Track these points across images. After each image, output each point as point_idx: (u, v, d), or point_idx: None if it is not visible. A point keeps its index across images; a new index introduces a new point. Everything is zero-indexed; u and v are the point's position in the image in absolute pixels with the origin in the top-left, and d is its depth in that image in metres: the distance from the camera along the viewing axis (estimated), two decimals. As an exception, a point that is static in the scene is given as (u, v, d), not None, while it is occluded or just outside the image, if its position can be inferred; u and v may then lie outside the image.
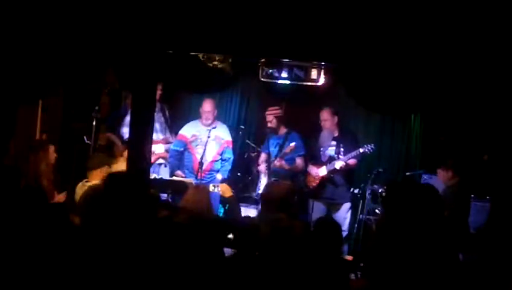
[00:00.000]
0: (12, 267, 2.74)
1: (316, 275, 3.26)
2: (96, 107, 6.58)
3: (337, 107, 6.54)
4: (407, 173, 6.64)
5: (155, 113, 6.52)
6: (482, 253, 3.51)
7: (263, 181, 6.51)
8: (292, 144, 6.36)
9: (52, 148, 5.39)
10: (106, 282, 2.82)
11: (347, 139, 6.24)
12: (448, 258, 3.73)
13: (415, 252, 3.60)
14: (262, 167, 6.65)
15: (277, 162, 6.39)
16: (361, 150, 6.03)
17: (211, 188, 5.66)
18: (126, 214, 3.14)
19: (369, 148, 6.03)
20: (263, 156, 6.73)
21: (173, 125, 6.85)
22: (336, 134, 6.30)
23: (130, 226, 3.04)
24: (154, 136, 6.52)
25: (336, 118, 6.28)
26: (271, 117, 6.54)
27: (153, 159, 6.47)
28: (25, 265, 2.75)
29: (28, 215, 2.89)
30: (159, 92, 6.54)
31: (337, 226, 3.75)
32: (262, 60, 6.24)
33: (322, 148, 6.29)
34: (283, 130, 6.60)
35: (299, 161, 6.53)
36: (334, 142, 6.25)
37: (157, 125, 6.64)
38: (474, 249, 3.66)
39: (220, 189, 5.10)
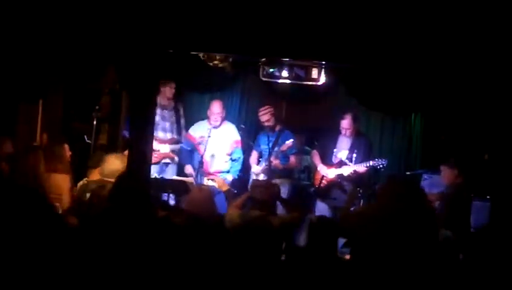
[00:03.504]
0: (8, 268, 2.74)
1: (311, 273, 3.27)
2: (97, 107, 6.58)
3: (336, 107, 6.54)
4: (408, 173, 6.63)
5: (167, 112, 6.62)
6: (482, 253, 3.50)
7: (255, 178, 6.48)
8: (289, 142, 6.33)
9: (66, 146, 5.38)
10: (103, 282, 2.82)
11: (361, 146, 6.12)
12: (447, 257, 3.73)
13: (409, 249, 3.60)
14: (254, 166, 6.64)
15: (273, 161, 6.34)
16: (371, 163, 5.96)
17: (206, 181, 5.64)
18: (126, 214, 3.15)
19: (380, 163, 5.93)
20: (254, 154, 6.72)
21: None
22: (352, 139, 6.21)
23: (129, 225, 3.05)
24: (162, 135, 6.56)
25: (355, 126, 6.16)
26: (268, 116, 6.49)
27: (158, 158, 6.50)
28: (21, 265, 2.75)
29: (25, 216, 2.89)
30: (172, 91, 6.62)
31: (333, 225, 3.75)
32: (263, 59, 6.23)
33: (335, 149, 6.25)
34: (277, 128, 6.57)
35: (292, 159, 6.54)
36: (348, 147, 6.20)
37: (167, 124, 6.64)
38: (474, 249, 3.65)
39: (216, 183, 5.10)
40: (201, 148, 6.44)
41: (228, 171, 6.52)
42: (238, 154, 6.62)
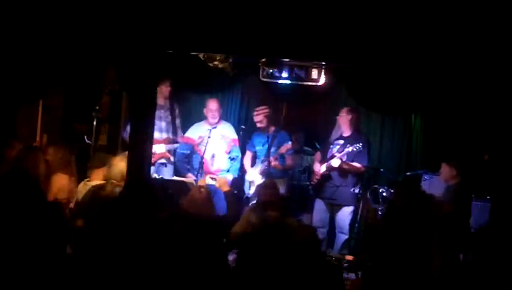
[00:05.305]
0: (8, 265, 2.74)
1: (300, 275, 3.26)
2: (97, 107, 6.58)
3: (336, 107, 6.56)
4: (408, 173, 6.62)
5: (163, 111, 6.58)
6: (482, 253, 3.50)
7: (251, 180, 6.48)
8: (288, 144, 6.35)
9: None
10: (102, 282, 2.82)
11: (356, 143, 6.08)
12: (448, 258, 3.74)
13: (416, 252, 3.61)
14: (248, 167, 6.64)
15: (272, 162, 6.34)
16: (350, 149, 5.98)
17: (208, 180, 5.62)
18: (126, 214, 3.15)
19: (357, 146, 5.96)
20: (248, 155, 6.71)
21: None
22: (346, 134, 6.22)
23: (129, 226, 3.05)
24: (158, 135, 6.46)
25: (349, 117, 6.19)
26: (261, 117, 6.48)
27: (154, 159, 6.43)
28: (21, 263, 2.75)
29: (25, 214, 2.90)
30: (168, 90, 6.56)
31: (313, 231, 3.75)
32: (263, 59, 6.23)
33: (331, 146, 6.28)
34: (271, 129, 6.56)
35: (289, 160, 6.53)
36: (341, 141, 6.20)
37: (163, 124, 6.60)
38: (474, 249, 3.65)
39: (217, 183, 5.07)
40: (201, 148, 6.44)
41: (228, 171, 6.51)
42: (236, 153, 6.62)
